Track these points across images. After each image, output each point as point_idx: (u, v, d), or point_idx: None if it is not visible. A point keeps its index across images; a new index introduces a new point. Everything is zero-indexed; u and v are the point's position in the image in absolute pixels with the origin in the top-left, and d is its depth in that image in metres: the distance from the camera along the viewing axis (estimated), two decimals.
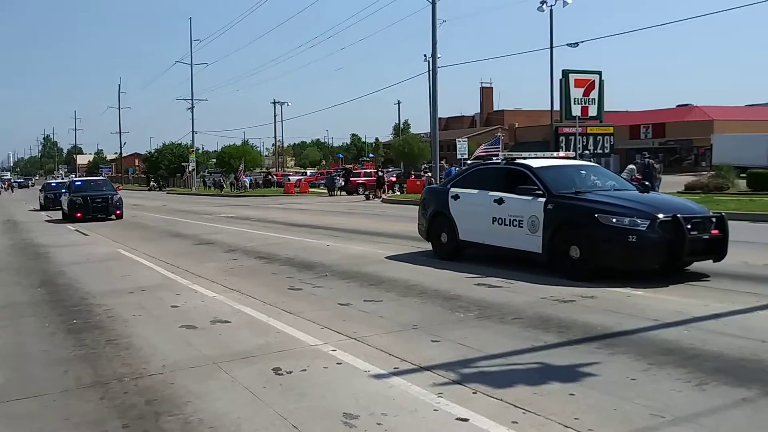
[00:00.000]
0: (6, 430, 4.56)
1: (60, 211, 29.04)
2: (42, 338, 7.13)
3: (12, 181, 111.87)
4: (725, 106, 72.64)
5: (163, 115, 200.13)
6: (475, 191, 11.22)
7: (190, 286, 10.02)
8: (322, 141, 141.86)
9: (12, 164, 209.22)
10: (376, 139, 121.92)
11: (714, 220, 9.27)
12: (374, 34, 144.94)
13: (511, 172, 10.84)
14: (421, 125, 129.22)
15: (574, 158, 13.54)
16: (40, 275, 11.84)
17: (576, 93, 32.85)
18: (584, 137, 32.08)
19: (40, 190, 41.62)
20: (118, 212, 26.39)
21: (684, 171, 52.25)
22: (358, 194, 42.76)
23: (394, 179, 46.38)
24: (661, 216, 8.83)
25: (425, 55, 43.84)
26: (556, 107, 34.83)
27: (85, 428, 4.50)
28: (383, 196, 38.28)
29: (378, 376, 5.35)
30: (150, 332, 7.16)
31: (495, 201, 10.55)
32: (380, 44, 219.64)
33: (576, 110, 32.06)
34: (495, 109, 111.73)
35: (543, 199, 9.74)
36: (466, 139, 37.58)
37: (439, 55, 37.18)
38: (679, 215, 8.80)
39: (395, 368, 5.53)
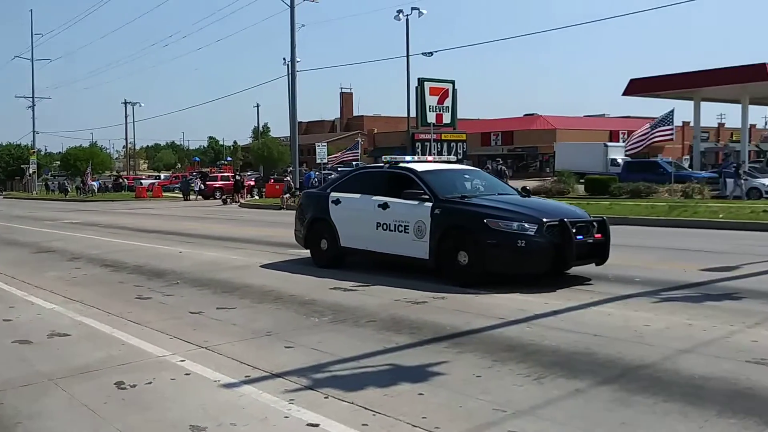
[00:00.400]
0: None
1: None
2: None
3: None
4: (566, 116, 77.93)
5: (0, 113, 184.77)
6: (358, 196, 10.83)
7: (26, 297, 9.30)
8: (178, 143, 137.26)
9: None
10: (235, 142, 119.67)
11: (596, 224, 9.39)
12: (233, 35, 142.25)
13: (395, 176, 10.57)
14: (281, 129, 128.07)
15: (456, 162, 13.60)
16: None
17: (431, 101, 34.05)
18: (439, 143, 33.25)
19: None
20: None
21: (530, 176, 55.48)
22: (215, 198, 41.68)
23: (252, 183, 45.66)
24: (547, 220, 8.89)
25: (284, 59, 43.65)
26: (413, 114, 35.82)
27: None
28: (241, 200, 37.57)
29: (228, 386, 5.22)
30: None
31: (379, 206, 10.21)
32: (239, 46, 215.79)
33: (431, 117, 33.22)
34: (355, 114, 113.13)
35: (430, 204, 9.54)
36: (325, 144, 37.72)
37: (298, 59, 37.16)
38: (565, 219, 8.93)
39: (246, 376, 5.42)
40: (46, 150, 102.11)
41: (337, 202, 11.08)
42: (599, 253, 9.38)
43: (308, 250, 11.70)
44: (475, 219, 9.11)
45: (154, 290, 9.53)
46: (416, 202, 9.70)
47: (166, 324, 7.35)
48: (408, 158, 11.09)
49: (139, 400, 4.94)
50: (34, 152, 69.83)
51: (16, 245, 17.09)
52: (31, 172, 67.52)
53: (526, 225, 8.82)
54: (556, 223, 8.89)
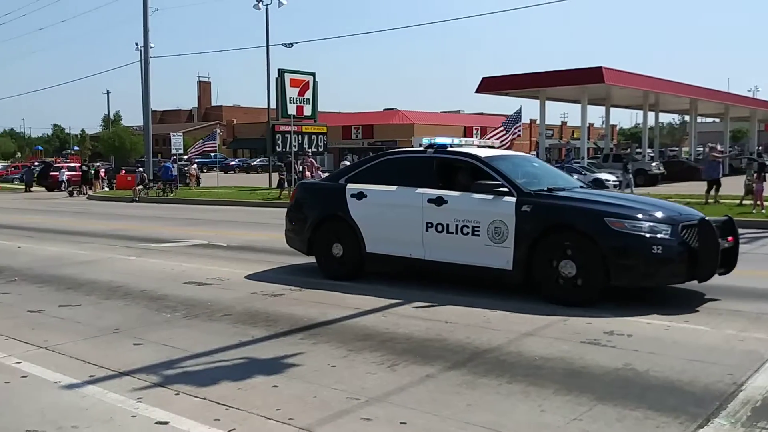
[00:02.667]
0: None
1: None
2: None
3: None
4: (424, 112, 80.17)
5: None
6: (393, 188, 8.58)
7: None
8: (17, 131, 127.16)
9: None
10: (82, 130, 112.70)
11: (724, 225, 7.68)
12: (80, 15, 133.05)
13: (447, 164, 8.57)
14: (133, 118, 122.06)
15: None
16: None
17: (291, 92, 33.75)
18: (299, 135, 33.05)
19: None
20: None
21: None
22: (60, 190, 39.07)
23: (103, 174, 43.22)
24: (683, 220, 7.30)
25: (137, 44, 41.68)
26: (273, 105, 35.41)
27: None
28: (90, 192, 35.49)
29: (70, 387, 4.93)
30: None
31: (430, 201, 8.10)
32: (88, 28, 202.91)
33: (291, 109, 32.94)
34: (213, 104, 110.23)
35: (512, 199, 7.56)
36: (181, 134, 36.47)
37: (152, 45, 35.70)
38: (707, 218, 7.35)
39: (91, 376, 5.14)
40: None
41: (359, 195, 8.77)
42: (729, 260, 7.59)
43: (307, 256, 9.57)
44: (590, 218, 7.24)
45: None
46: (490, 197, 7.72)
47: (0, 324, 6.82)
48: (448, 141, 8.89)
49: None
50: None
51: None
52: None
53: (659, 226, 7.12)
54: (695, 222, 7.28)
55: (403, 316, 6.94)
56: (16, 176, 53.99)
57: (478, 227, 7.74)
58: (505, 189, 7.70)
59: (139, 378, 5.08)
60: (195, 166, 37.23)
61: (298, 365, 5.36)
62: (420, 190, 8.27)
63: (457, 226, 7.91)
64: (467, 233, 7.82)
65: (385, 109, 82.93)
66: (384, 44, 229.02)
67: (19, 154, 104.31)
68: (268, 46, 38.40)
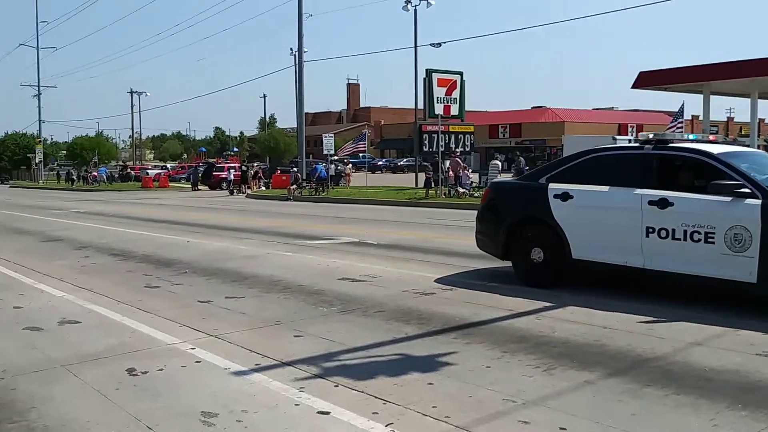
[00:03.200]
0: None
1: None
2: None
3: None
4: (574, 109, 77.68)
5: (5, 102, 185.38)
6: (604, 189, 7.87)
7: (35, 285, 9.35)
8: (184, 134, 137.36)
9: None
10: (241, 132, 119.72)
11: None
12: (240, 24, 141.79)
13: (670, 161, 7.80)
14: (287, 120, 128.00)
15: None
16: None
17: (439, 92, 33.92)
18: (446, 135, 33.12)
19: None
20: None
21: None
22: (222, 189, 41.74)
23: (260, 174, 45.64)
24: None
25: (291, 49, 43.66)
26: (421, 105, 35.78)
27: None
28: (248, 191, 37.61)
29: (238, 373, 5.24)
30: None
31: (651, 203, 7.30)
32: (246, 36, 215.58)
33: (439, 109, 33.08)
34: (361, 105, 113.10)
35: (756, 202, 6.67)
36: (332, 135, 37.70)
37: (305, 50, 37.18)
38: None
39: (256, 364, 5.44)
40: (52, 139, 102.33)
41: (564, 196, 8.09)
42: None
43: (504, 261, 9.01)
44: None
45: (163, 279, 9.56)
46: (728, 199, 6.84)
47: (175, 312, 7.38)
48: (686, 135, 8.23)
49: (150, 387, 4.97)
50: (40, 141, 69.89)
51: (24, 234, 17.15)
52: (37, 161, 67.64)
53: None
54: None
55: (559, 319, 6.76)
56: (183, 176, 58.34)
57: (713, 233, 6.86)
58: (747, 190, 6.77)
59: (300, 368, 5.30)
60: (350, 166, 38.26)
61: (452, 364, 5.36)
62: (639, 191, 7.45)
63: (685, 231, 7.04)
64: (698, 240, 6.96)
65: (534, 107, 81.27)
66: (533, 41, 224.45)
67: (185, 155, 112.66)
68: (416, 46, 38.89)
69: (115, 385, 5.00)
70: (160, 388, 4.93)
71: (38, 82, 67.38)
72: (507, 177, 26.61)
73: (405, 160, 73.36)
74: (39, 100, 67.68)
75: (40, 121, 69.07)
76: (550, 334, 6.18)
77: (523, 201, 8.82)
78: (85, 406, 4.62)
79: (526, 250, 8.41)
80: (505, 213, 8.96)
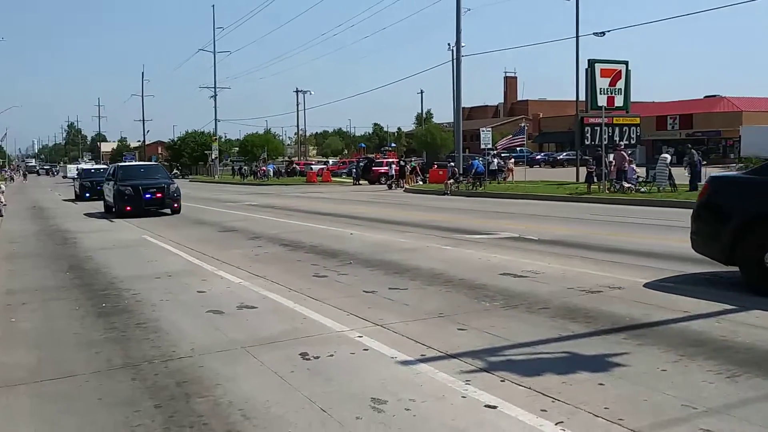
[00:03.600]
0: (41, 408, 4.64)
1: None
2: (72, 321, 7.23)
3: (37, 167, 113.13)
4: (754, 98, 71.47)
5: (186, 103, 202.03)
6: None
7: (215, 272, 10.10)
8: (344, 130, 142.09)
9: (36, 151, 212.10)
10: (399, 128, 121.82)
11: None
12: (398, 22, 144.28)
13: None
14: (443, 115, 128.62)
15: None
16: (68, 260, 12.01)
17: (602, 83, 32.46)
18: (610, 128, 31.71)
19: (75, 177, 38.16)
20: (175, 205, 21.82)
21: (712, 163, 51.54)
22: (380, 183, 42.74)
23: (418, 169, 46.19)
24: None
25: (449, 44, 43.67)
26: (582, 97, 34.52)
27: (118, 408, 4.56)
28: (406, 185, 38.24)
29: (405, 363, 5.36)
30: (177, 316, 7.24)
31: None
32: (404, 33, 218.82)
33: (602, 100, 31.68)
34: (519, 98, 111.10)
35: None
36: (490, 129, 37.39)
37: (463, 44, 37.00)
38: None
39: (422, 355, 5.53)
40: (225, 137, 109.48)
41: None
42: None
43: (697, 264, 8.60)
44: None
45: (330, 269, 9.97)
46: None
47: (342, 301, 7.67)
48: None
49: (322, 371, 5.21)
50: (215, 139, 75.18)
51: (202, 224, 18.57)
52: (213, 157, 72.83)
53: None
54: None
55: (742, 323, 6.26)
56: (344, 171, 60.40)
57: None
58: None
59: (465, 361, 5.32)
60: (512, 160, 37.69)
61: (623, 365, 5.14)
62: None
63: None
64: None
65: (706, 96, 75.72)
66: (704, 25, 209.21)
67: (346, 151, 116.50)
68: (577, 36, 37.53)
69: (290, 368, 5.30)
70: (332, 373, 5.15)
71: (215, 84, 72.44)
72: (677, 171, 25.09)
73: (565, 153, 71.13)
74: (215, 100, 72.77)
75: (216, 120, 74.29)
76: (733, 339, 5.75)
77: (755, 198, 7.73)
78: (264, 385, 4.93)
79: (759, 254, 7.25)
80: (731, 211, 7.86)
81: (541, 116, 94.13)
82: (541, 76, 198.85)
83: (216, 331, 6.59)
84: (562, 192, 26.74)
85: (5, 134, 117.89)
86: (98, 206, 25.44)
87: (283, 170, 63.74)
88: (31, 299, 8.46)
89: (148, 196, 21.33)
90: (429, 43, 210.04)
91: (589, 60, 32.94)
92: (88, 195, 31.30)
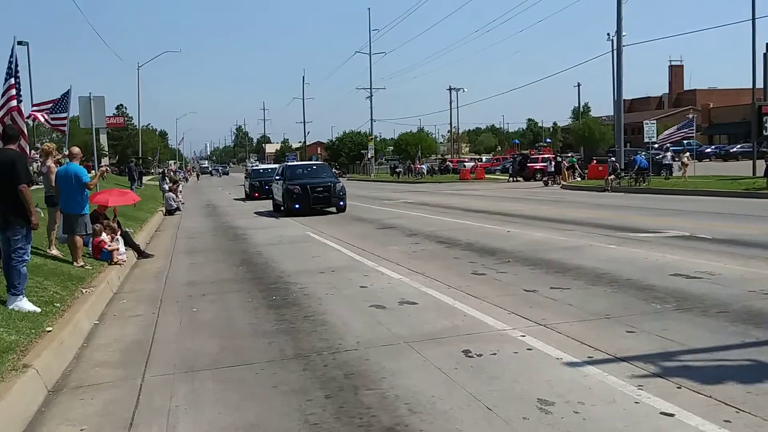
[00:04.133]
0: (224, 394, 4.99)
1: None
2: (247, 312, 7.71)
3: (210, 168, 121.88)
4: None
5: (343, 104, 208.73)
6: None
7: (376, 267, 10.36)
8: (497, 126, 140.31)
9: (209, 153, 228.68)
10: (554, 123, 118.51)
11: None
12: (554, 14, 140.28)
13: None
14: (602, 108, 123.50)
15: None
16: (240, 255, 12.82)
17: None
18: None
19: (245, 177, 39.73)
20: (341, 203, 22.00)
21: None
22: (535, 180, 41.84)
23: (568, 164, 44.67)
24: None
25: (608, 34, 41.95)
26: (759, 84, 31.78)
27: (292, 396, 4.81)
28: (562, 182, 37.15)
29: (571, 364, 5.21)
30: (342, 310, 7.50)
31: None
32: (559, 25, 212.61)
33: None
34: (686, 88, 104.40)
35: None
36: (654, 122, 35.37)
37: (624, 33, 35.35)
38: None
39: (589, 357, 5.35)
40: (380, 136, 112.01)
41: None
42: None
43: None
44: None
45: (488, 267, 9.90)
46: None
47: (502, 299, 7.59)
48: None
49: (485, 370, 5.18)
50: (371, 138, 77.06)
51: (361, 221, 19.09)
52: (369, 156, 74.72)
53: None
54: None
55: None
56: (498, 168, 59.75)
57: None
58: None
59: (636, 365, 5.08)
60: (688, 154, 35.42)
61: None
62: None
63: None
64: None
65: None
66: None
67: (499, 148, 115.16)
68: (754, 18, 34.56)
69: (453, 365, 5.32)
70: (495, 372, 5.12)
71: (370, 84, 74.29)
72: None
73: (738, 146, 65.80)
74: (371, 101, 74.60)
75: (371, 120, 76.13)
76: None
77: None
78: (429, 381, 4.99)
79: None
80: None
81: (711, 106, 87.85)
82: (710, 64, 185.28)
83: (379, 325, 6.76)
84: (737, 187, 24.75)
85: (182, 138, 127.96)
86: (266, 205, 26.84)
87: (436, 168, 64.11)
88: (209, 291, 9.13)
89: (315, 194, 21.61)
90: (586, 34, 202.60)
91: (767, 44, 30.27)
92: (257, 194, 32.34)
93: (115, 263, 10.78)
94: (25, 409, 4.75)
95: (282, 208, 22.69)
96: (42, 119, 16.85)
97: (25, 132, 11.07)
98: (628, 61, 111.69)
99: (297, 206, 21.40)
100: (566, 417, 4.18)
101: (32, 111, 17.21)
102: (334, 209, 21.99)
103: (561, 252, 10.98)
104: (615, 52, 37.30)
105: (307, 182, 22.08)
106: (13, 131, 7.89)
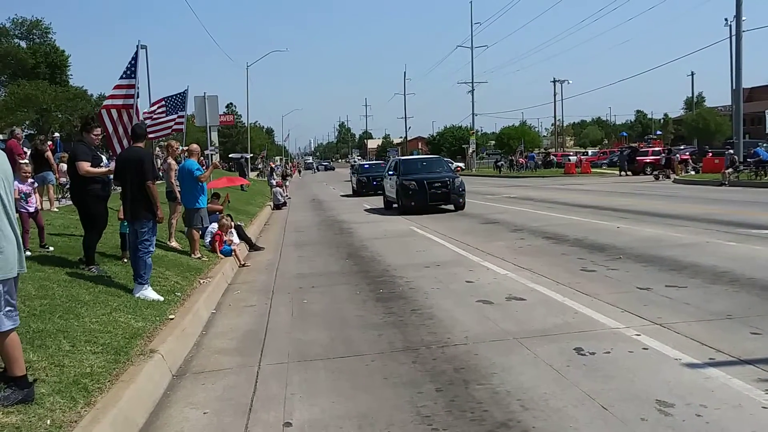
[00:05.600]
0: (336, 383, 5.12)
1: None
2: (355, 304, 7.87)
3: (316, 164, 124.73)
4: None
5: (444, 98, 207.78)
6: None
7: (481, 263, 10.30)
8: (603, 119, 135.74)
9: (313, 149, 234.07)
10: (665, 114, 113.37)
11: None
12: (663, 1, 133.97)
13: None
14: (717, 98, 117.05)
15: None
16: (346, 248, 13.08)
17: None
18: None
19: (351, 173, 39.54)
20: (460, 200, 20.24)
21: None
22: (645, 174, 40.20)
23: (686, 156, 42.70)
24: None
25: (726, 20, 39.68)
26: None
27: (402, 388, 4.87)
28: (674, 176, 35.52)
29: (691, 366, 5.00)
30: (449, 305, 7.52)
31: None
32: (671, 12, 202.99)
33: None
34: None
35: None
36: None
37: (744, 18, 33.36)
38: None
39: (710, 359, 5.12)
40: (482, 130, 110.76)
41: None
42: None
43: None
44: None
45: (597, 263, 9.64)
46: None
47: (615, 297, 7.38)
48: None
49: (599, 368, 5.06)
50: (473, 133, 76.37)
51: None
52: (470, 151, 74.13)
53: None
54: None
55: None
56: (604, 161, 57.85)
57: None
58: None
59: (763, 369, 4.83)
60: None
61: None
62: None
63: None
64: None
65: None
66: None
67: (605, 141, 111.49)
68: None
69: (565, 363, 5.23)
70: (610, 371, 4.99)
71: (472, 78, 73.52)
72: None
73: None
74: (472, 95, 73.90)
75: (473, 114, 75.40)
76: None
77: None
78: (540, 378, 4.93)
79: None
80: None
81: None
82: None
83: (487, 320, 6.73)
84: None
85: (288, 135, 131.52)
86: (374, 201, 27.04)
87: (540, 162, 62.79)
88: (318, 283, 9.38)
89: (433, 190, 19.98)
90: (700, 20, 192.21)
91: None
92: (364, 191, 31.97)
93: (243, 265, 11.18)
94: (153, 392, 5.06)
95: (395, 205, 21.53)
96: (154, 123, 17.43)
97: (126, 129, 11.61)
98: (747, 48, 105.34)
99: (412, 203, 20.06)
100: (687, 420, 4.03)
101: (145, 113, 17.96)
102: (452, 207, 20.51)
103: (675, 249, 10.52)
104: (734, 37, 35.26)
105: (423, 177, 20.45)
106: (141, 130, 8.39)
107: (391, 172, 22.91)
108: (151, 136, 15.01)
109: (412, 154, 68.06)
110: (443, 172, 21.50)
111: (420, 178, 20.37)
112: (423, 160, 23.88)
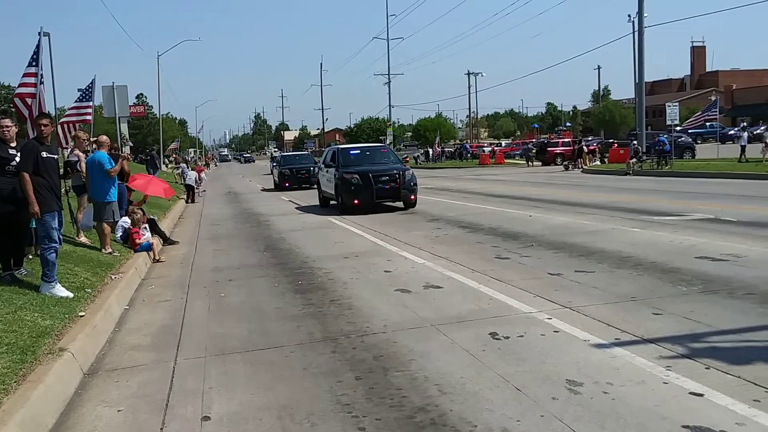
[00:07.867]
0: (255, 376, 5.08)
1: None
2: (273, 296, 7.81)
3: (230, 156, 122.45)
4: None
5: (361, 90, 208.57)
6: None
7: (399, 252, 10.41)
8: (516, 111, 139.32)
9: (228, 141, 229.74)
10: (574, 107, 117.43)
11: None
12: None
13: None
14: (622, 91, 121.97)
15: None
16: (264, 241, 12.94)
17: None
18: None
19: (273, 165, 36.80)
20: (411, 197, 17.44)
21: None
22: (555, 165, 41.58)
23: (593, 147, 44.37)
24: None
25: (629, 16, 41.42)
26: None
27: (322, 378, 4.89)
28: (583, 166, 36.89)
29: (599, 346, 5.24)
30: (368, 294, 7.57)
31: None
32: (580, 7, 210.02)
33: None
34: (708, 70, 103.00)
35: None
36: (677, 104, 34.97)
37: (645, 14, 34.89)
38: None
39: (616, 339, 5.38)
40: (398, 122, 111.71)
41: None
42: None
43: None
44: None
45: (511, 251, 9.92)
46: None
47: (527, 283, 7.62)
48: None
49: (513, 351, 5.23)
50: (390, 124, 76.85)
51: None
52: (387, 142, 74.64)
53: None
54: None
55: None
56: (517, 152, 59.42)
57: None
58: None
59: (664, 347, 5.10)
60: None
61: None
62: None
63: None
64: None
65: None
66: None
67: (518, 133, 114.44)
68: None
69: (481, 347, 5.37)
70: (523, 354, 5.16)
71: (388, 70, 73.92)
72: None
73: (763, 127, 64.92)
74: (389, 87, 74.22)
75: (390, 106, 75.73)
76: None
77: None
78: (457, 363, 5.05)
79: None
80: None
81: (734, 87, 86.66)
82: (734, 45, 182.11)
83: (405, 308, 6.82)
84: (763, 170, 24.47)
85: (202, 126, 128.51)
86: (299, 196, 26.71)
87: (455, 153, 63.84)
88: (235, 276, 9.25)
89: (380, 185, 17.04)
90: (606, 16, 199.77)
91: None
92: (288, 184, 29.37)
93: (157, 260, 10.87)
94: (63, 391, 4.88)
95: (333, 202, 18.66)
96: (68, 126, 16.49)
97: (33, 117, 11.09)
98: (650, 43, 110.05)
99: (356, 201, 17.04)
100: (595, 397, 4.22)
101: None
102: (401, 204, 17.74)
103: (584, 236, 10.96)
104: (636, 33, 36.85)
105: (368, 170, 17.35)
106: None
107: (328, 164, 19.49)
108: (63, 120, 14.43)
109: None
110: (390, 164, 18.44)
111: (364, 171, 17.28)
112: (366, 149, 20.28)
